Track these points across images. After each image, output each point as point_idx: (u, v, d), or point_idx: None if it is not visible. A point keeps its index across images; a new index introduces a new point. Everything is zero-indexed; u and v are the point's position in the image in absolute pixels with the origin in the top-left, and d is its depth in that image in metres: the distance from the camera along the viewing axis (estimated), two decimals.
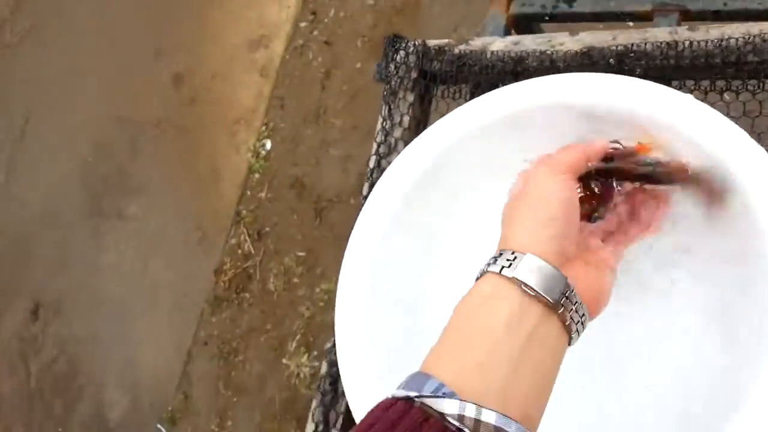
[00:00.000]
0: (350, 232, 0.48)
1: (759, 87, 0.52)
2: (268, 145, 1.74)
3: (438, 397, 0.29)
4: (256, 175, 1.72)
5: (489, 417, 0.28)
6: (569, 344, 0.35)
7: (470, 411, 0.28)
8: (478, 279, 0.35)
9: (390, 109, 0.55)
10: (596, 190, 0.42)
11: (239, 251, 1.68)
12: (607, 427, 0.46)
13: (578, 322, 0.34)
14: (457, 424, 0.28)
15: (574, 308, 0.34)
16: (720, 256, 0.44)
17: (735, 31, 0.52)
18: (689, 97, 0.43)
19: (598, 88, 0.45)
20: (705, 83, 0.54)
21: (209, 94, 1.87)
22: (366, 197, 0.52)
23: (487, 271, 0.34)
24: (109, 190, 1.93)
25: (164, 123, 1.91)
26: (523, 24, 0.65)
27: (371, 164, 0.55)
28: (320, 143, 1.66)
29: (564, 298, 0.34)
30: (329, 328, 0.45)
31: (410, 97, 0.56)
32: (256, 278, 1.64)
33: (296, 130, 1.71)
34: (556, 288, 0.33)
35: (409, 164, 0.49)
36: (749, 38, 0.51)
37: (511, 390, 0.31)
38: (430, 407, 0.29)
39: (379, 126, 0.56)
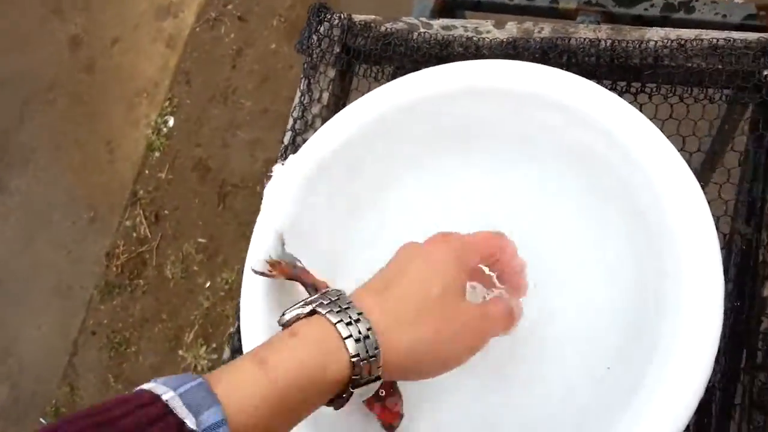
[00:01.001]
0: (255, 220, 0.46)
1: (671, 91, 0.54)
2: (171, 122, 1.64)
3: None
4: (156, 154, 1.62)
5: None
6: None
7: None
8: (326, 310, 0.33)
9: (309, 83, 0.52)
10: None
11: (134, 234, 1.57)
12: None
13: (347, 398, 0.34)
14: None
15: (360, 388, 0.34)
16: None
17: (654, 34, 0.54)
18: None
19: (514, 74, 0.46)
20: (622, 83, 0.55)
21: (109, 62, 1.74)
22: None
23: (337, 323, 0.32)
24: None
25: (57, 89, 1.76)
26: (450, 9, 0.64)
27: (286, 140, 0.52)
28: (227, 124, 1.59)
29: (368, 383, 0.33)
30: (229, 319, 0.41)
31: (331, 73, 0.53)
32: (151, 264, 1.54)
33: (202, 108, 1.62)
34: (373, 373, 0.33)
35: (324, 144, 0.47)
36: (667, 42, 0.53)
37: None
38: None
39: (296, 101, 0.52)
